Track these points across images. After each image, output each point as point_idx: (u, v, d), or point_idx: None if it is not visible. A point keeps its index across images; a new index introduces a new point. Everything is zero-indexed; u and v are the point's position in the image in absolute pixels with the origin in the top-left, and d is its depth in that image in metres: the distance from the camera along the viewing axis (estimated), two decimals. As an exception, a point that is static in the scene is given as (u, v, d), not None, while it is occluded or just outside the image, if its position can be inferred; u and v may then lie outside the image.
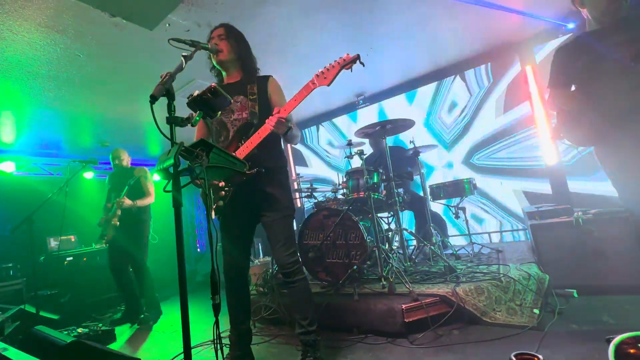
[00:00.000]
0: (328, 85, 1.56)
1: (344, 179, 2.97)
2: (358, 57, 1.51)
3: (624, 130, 1.57)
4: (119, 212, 3.32)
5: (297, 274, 1.73)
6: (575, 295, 2.29)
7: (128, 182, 3.36)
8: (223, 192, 1.74)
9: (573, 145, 1.80)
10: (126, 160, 3.61)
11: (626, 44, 1.57)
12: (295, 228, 5.28)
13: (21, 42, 2.46)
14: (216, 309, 1.02)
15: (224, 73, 1.93)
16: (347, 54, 1.54)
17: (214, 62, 1.86)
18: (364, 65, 1.53)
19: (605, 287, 2.26)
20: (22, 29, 2.33)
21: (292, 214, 1.82)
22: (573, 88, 1.80)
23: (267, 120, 1.63)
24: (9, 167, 4.46)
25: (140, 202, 3.41)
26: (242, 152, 1.70)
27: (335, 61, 1.55)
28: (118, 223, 3.32)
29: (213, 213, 1.81)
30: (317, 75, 1.58)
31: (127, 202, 3.31)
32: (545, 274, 2.44)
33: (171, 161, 0.99)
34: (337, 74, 1.54)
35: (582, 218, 2.37)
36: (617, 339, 1.25)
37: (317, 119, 5.39)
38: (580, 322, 1.90)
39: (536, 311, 2.03)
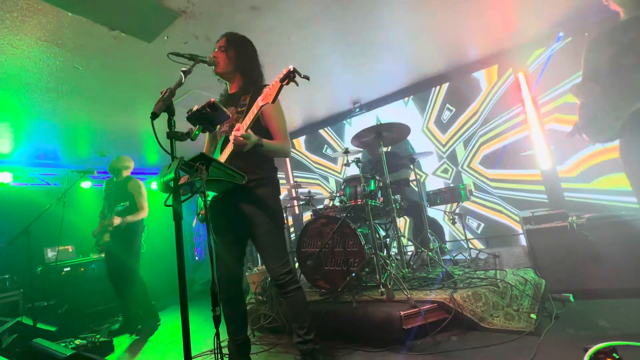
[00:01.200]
0: (272, 102, 1.43)
1: (342, 187, 2.99)
2: (292, 70, 1.37)
3: (635, 127, 1.58)
4: (110, 229, 3.34)
5: (291, 285, 1.72)
6: (572, 299, 2.31)
7: (121, 202, 3.36)
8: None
9: (590, 142, 1.82)
10: (125, 171, 3.55)
11: None
12: (292, 236, 5.28)
13: (21, 55, 2.50)
14: (216, 321, 1.03)
15: (227, 84, 1.94)
16: (287, 68, 1.39)
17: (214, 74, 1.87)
18: (308, 79, 1.42)
19: (601, 291, 2.28)
20: (22, 43, 2.37)
21: (277, 225, 1.75)
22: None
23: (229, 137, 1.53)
24: (6, 177, 4.46)
25: (131, 218, 3.36)
26: None
27: (277, 76, 1.42)
28: (108, 239, 3.35)
29: (196, 220, 1.81)
30: (265, 93, 1.47)
31: (117, 221, 3.31)
32: (541, 278, 2.46)
33: (171, 175, 1.01)
34: (279, 90, 1.42)
35: (576, 222, 2.40)
36: (593, 348, 1.25)
37: (314, 126, 5.43)
38: (577, 326, 1.92)
39: (533, 316, 2.05)
